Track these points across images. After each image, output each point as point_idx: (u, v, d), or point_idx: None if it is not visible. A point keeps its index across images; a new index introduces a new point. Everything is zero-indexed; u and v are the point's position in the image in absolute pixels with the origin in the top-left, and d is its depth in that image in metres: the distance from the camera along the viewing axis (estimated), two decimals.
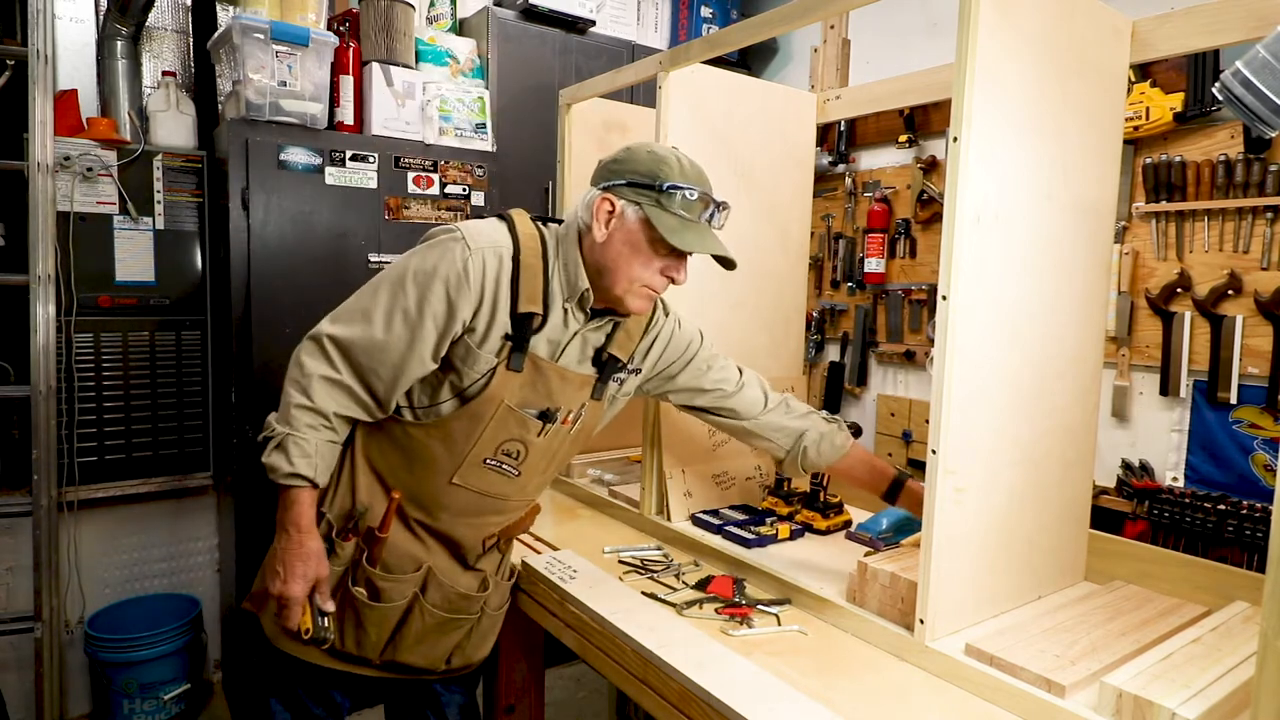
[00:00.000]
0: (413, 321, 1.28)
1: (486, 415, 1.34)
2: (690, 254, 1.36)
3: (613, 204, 1.32)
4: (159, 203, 2.64)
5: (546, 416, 1.38)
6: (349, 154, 2.53)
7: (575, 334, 1.39)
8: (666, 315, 1.56)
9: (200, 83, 2.79)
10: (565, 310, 1.37)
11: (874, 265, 2.99)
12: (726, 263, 1.36)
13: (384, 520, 1.39)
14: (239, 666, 2.71)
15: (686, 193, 1.29)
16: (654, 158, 1.32)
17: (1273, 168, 2.04)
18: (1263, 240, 2.08)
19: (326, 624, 1.37)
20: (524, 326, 1.33)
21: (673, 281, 1.36)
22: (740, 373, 1.61)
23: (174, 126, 2.66)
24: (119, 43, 2.57)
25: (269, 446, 1.31)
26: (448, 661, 1.51)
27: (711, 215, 1.34)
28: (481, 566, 1.51)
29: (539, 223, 1.40)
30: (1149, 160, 2.25)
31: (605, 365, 1.44)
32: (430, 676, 1.53)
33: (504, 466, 1.39)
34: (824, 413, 1.64)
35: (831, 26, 3.09)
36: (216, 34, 2.52)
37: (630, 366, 1.50)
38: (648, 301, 1.37)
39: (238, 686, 2.73)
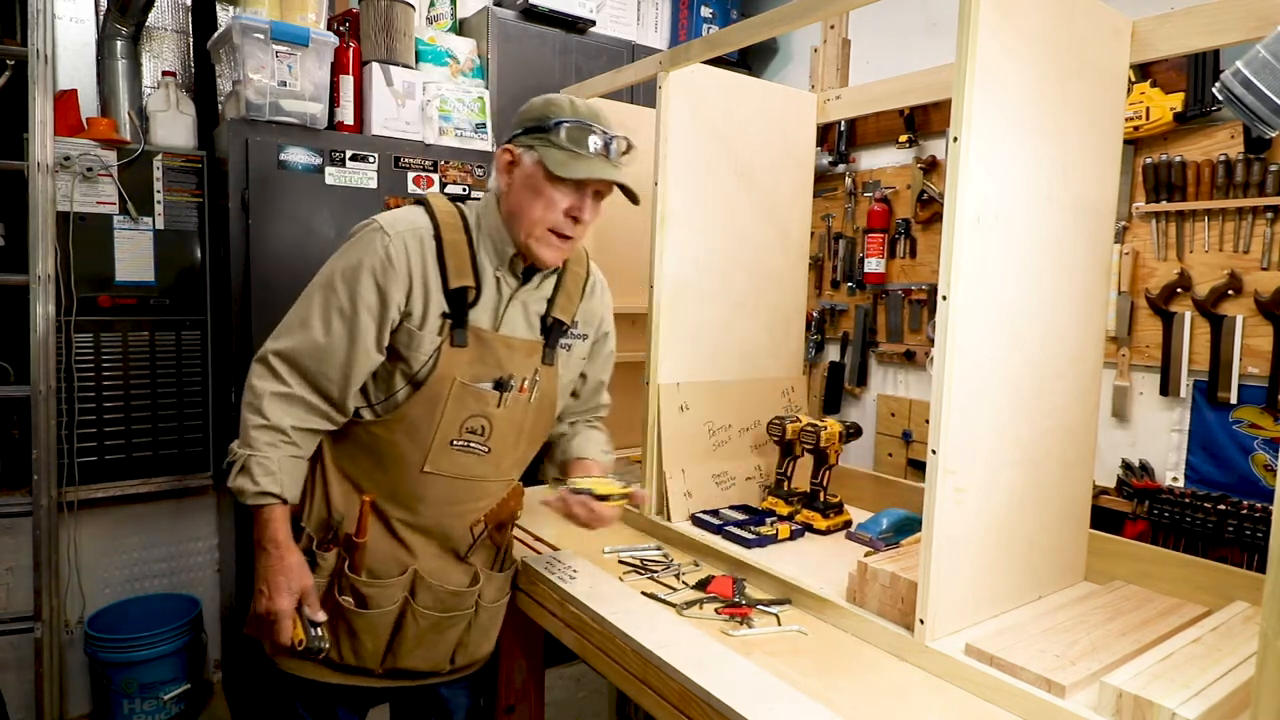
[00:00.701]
0: (349, 317, 1.32)
1: (442, 396, 1.35)
2: (591, 188, 1.36)
3: (512, 153, 1.37)
4: (159, 203, 2.64)
5: (501, 386, 1.40)
6: (349, 154, 2.53)
7: (511, 298, 1.42)
8: (605, 290, 1.61)
9: (200, 83, 2.79)
10: (497, 279, 1.41)
11: (874, 265, 2.99)
12: (629, 194, 1.37)
13: (360, 524, 1.40)
14: (239, 669, 2.71)
15: (574, 127, 1.32)
16: (546, 102, 1.37)
17: (1273, 168, 2.04)
18: (1263, 240, 2.08)
19: (319, 633, 1.37)
20: (460, 302, 1.36)
21: (577, 220, 1.36)
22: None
23: (174, 126, 2.66)
24: (119, 43, 2.57)
25: (233, 471, 1.33)
26: (452, 661, 1.51)
27: (607, 148, 1.35)
28: (473, 560, 1.51)
29: (458, 202, 1.44)
30: (1149, 160, 2.25)
31: (550, 330, 1.47)
32: (436, 679, 1.53)
33: (472, 445, 1.40)
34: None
35: (831, 26, 3.09)
36: (216, 34, 2.52)
37: (576, 331, 1.53)
38: (556, 250, 1.38)
39: (238, 687, 2.73)
